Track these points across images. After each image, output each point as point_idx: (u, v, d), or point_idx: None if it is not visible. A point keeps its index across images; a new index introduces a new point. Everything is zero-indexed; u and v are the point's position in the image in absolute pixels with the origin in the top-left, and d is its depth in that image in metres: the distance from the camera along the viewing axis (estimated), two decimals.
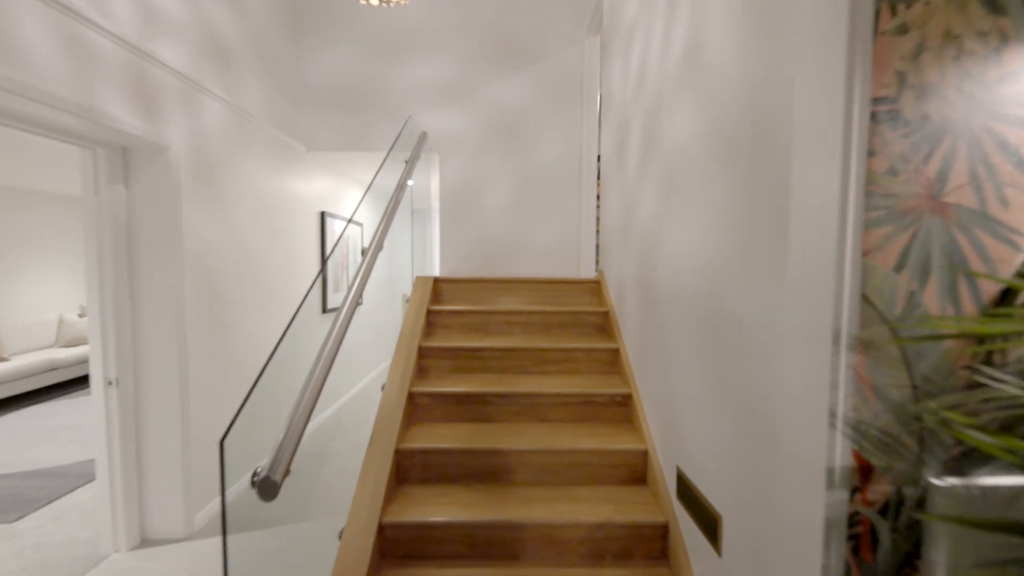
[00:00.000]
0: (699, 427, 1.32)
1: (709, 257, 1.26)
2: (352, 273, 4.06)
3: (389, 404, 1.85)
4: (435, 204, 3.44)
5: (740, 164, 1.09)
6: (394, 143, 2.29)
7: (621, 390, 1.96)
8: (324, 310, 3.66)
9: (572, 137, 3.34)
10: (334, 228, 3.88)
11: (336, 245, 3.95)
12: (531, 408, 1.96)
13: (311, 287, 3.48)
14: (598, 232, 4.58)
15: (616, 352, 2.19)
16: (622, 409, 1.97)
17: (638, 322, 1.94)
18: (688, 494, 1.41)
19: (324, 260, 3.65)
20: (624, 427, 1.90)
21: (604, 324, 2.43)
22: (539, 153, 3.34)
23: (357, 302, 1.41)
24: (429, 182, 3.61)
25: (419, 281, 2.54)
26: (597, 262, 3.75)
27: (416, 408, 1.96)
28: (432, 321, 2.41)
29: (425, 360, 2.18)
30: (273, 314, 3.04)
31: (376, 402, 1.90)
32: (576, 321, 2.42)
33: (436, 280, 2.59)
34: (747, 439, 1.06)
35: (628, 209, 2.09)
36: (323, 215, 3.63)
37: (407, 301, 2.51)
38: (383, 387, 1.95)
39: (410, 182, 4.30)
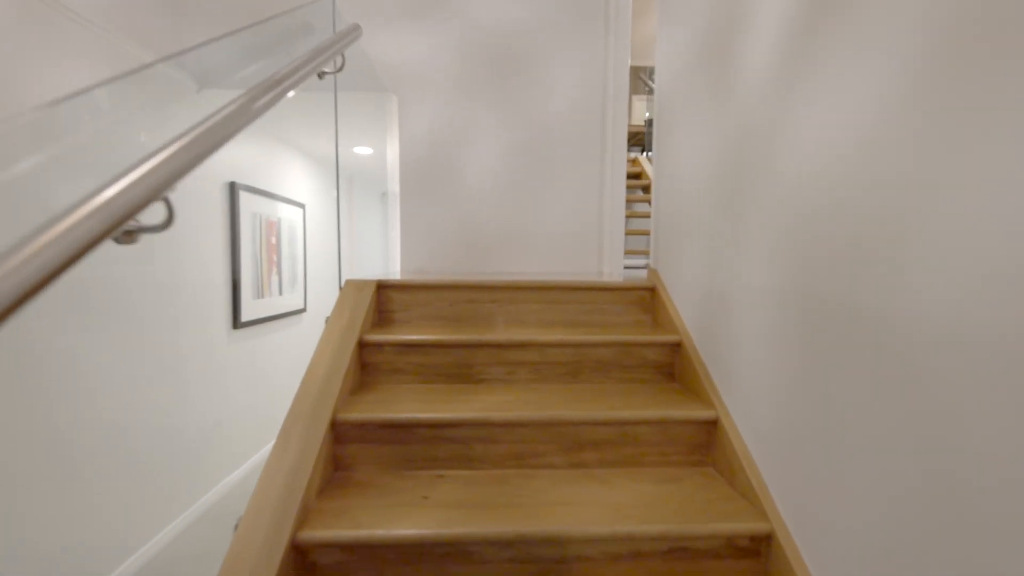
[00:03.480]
0: None
1: None
2: (285, 275, 2.93)
3: None
4: (393, 175, 2.36)
5: None
6: (275, 16, 1.23)
7: (747, 524, 0.93)
8: (237, 324, 2.56)
9: (594, 77, 2.30)
10: (258, 207, 2.77)
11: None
12: (563, 567, 0.92)
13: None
14: (630, 218, 3.56)
15: (713, 426, 1.17)
16: (750, 564, 0.95)
17: (782, 372, 0.91)
18: None
19: (235, 252, 2.55)
20: None
21: (673, 365, 1.41)
22: (546, 99, 2.29)
23: None
24: (385, 148, 2.53)
25: (349, 289, 1.47)
26: (625, 254, 2.72)
27: None
28: (368, 363, 1.35)
29: (345, 448, 1.12)
30: (148, 348, 1.94)
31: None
32: (625, 359, 1.39)
33: (381, 287, 1.53)
34: None
35: (750, 152, 1.06)
36: (233, 188, 2.52)
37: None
38: (237, 525, 0.89)
39: (367, 149, 3.19)
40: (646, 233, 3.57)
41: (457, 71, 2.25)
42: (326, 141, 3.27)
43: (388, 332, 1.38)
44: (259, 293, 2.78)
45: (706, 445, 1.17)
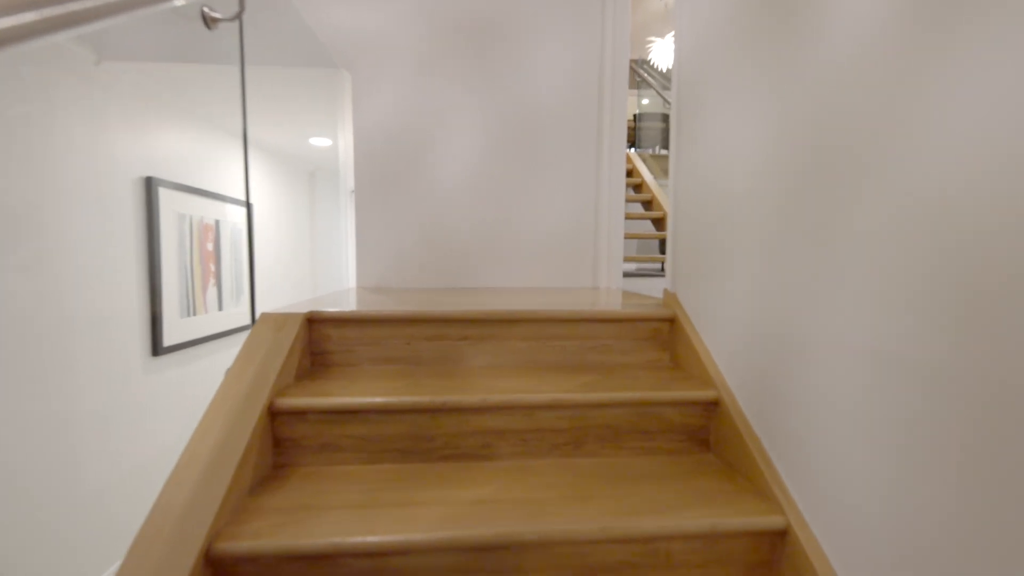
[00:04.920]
0: None
1: None
2: (226, 286, 2.45)
3: None
4: (348, 170, 1.95)
5: None
6: None
7: None
8: (157, 350, 2.11)
9: (589, 54, 1.93)
10: (186, 208, 2.32)
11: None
12: None
13: None
14: (629, 217, 3.24)
15: (780, 538, 0.81)
16: None
17: (916, 485, 0.56)
18: None
19: (153, 262, 2.10)
20: None
21: (708, 430, 1.05)
22: (532, 79, 1.92)
23: None
24: (337, 135, 2.12)
25: (263, 328, 1.07)
26: (622, 267, 2.39)
27: None
28: (286, 438, 0.95)
29: None
30: (33, 386, 1.49)
31: None
32: (643, 423, 1.03)
33: (312, 321, 1.13)
34: None
35: (847, 132, 0.70)
36: (150, 184, 2.07)
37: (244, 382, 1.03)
38: None
39: (327, 140, 2.76)
40: (640, 237, 3.24)
41: (424, 43, 1.85)
42: (278, 129, 2.82)
43: (317, 390, 0.98)
44: (190, 310, 2.33)
45: (768, 564, 0.82)
